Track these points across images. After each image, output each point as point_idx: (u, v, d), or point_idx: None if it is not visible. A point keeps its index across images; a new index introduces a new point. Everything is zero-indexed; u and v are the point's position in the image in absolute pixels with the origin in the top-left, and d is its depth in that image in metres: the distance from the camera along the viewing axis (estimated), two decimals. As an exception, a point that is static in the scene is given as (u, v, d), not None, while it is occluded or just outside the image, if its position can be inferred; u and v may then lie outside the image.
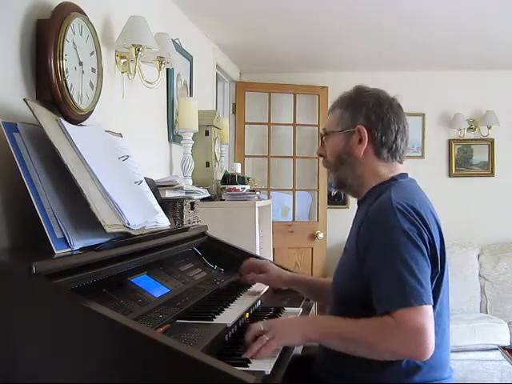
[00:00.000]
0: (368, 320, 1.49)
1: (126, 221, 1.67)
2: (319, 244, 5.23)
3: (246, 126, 5.20)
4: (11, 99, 1.75)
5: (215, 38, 4.23)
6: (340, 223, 4.94)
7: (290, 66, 5.18)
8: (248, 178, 3.65)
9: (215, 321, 1.67)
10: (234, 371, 1.20)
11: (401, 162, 1.74)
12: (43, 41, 1.86)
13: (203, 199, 3.00)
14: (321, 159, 1.86)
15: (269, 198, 4.70)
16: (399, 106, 1.74)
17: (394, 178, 1.69)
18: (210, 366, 1.19)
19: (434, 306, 1.49)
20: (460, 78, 5.31)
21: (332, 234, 5.24)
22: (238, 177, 3.52)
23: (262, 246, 3.68)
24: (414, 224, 1.51)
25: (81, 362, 1.27)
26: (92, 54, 2.11)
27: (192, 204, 2.72)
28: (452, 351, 1.70)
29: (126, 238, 1.68)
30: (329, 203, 5.32)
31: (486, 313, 4.86)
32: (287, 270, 2.27)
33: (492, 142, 5.38)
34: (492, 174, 5.39)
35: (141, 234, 1.75)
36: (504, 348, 3.99)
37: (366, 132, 1.68)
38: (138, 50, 2.41)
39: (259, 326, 1.57)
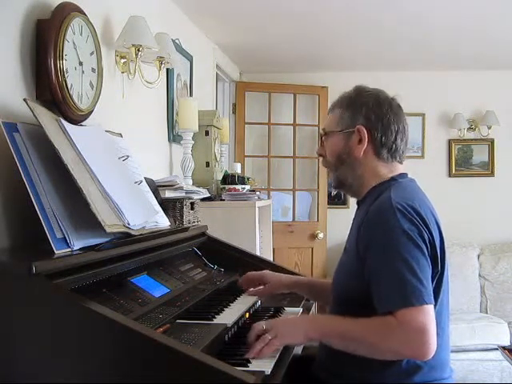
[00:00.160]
0: (370, 319, 1.49)
1: (126, 221, 1.67)
2: (319, 244, 5.23)
3: (246, 125, 5.20)
4: (11, 99, 1.75)
5: (215, 37, 4.23)
6: (340, 223, 4.94)
7: (290, 66, 5.18)
8: (248, 178, 3.65)
9: (215, 321, 1.67)
10: (234, 371, 1.20)
11: (401, 162, 1.74)
12: (43, 41, 1.86)
13: (203, 199, 3.00)
14: (321, 159, 1.86)
15: (269, 198, 4.70)
16: (399, 106, 1.74)
17: (393, 178, 1.69)
18: (210, 366, 1.19)
19: (434, 306, 1.49)
20: (460, 77, 5.31)
21: (332, 234, 5.24)
22: (238, 177, 3.52)
23: (262, 245, 3.68)
24: (414, 224, 1.51)
25: (81, 362, 1.27)
26: (92, 54, 2.12)
27: (192, 204, 2.72)
28: (452, 351, 1.70)
29: (126, 237, 1.68)
30: (329, 203, 5.32)
31: (486, 313, 4.86)
32: (286, 270, 2.27)
33: (492, 142, 5.38)
34: (492, 174, 5.39)
35: (141, 234, 1.75)
36: (504, 348, 3.99)
37: (365, 132, 1.68)
38: (138, 50, 2.41)
39: (261, 325, 1.57)
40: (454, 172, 5.44)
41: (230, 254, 2.40)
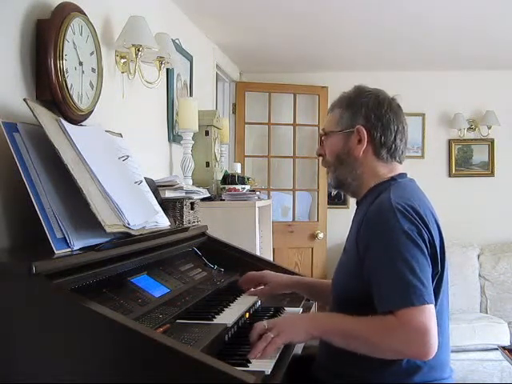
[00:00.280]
0: (371, 318, 1.49)
1: (126, 221, 1.67)
2: (319, 244, 5.23)
3: (246, 125, 5.20)
4: (11, 99, 1.75)
5: (215, 37, 4.23)
6: (340, 223, 4.95)
7: (290, 66, 5.18)
8: (248, 178, 3.65)
9: (215, 321, 1.67)
10: (234, 371, 1.20)
11: (400, 162, 1.74)
12: (43, 41, 1.86)
13: (203, 199, 3.00)
14: (320, 159, 1.86)
15: (269, 198, 4.70)
16: (399, 106, 1.74)
17: (393, 178, 1.69)
18: (210, 366, 1.19)
19: (434, 306, 1.49)
20: (460, 77, 5.31)
21: (332, 234, 5.24)
22: (238, 177, 3.52)
23: (262, 245, 3.68)
24: (413, 224, 1.51)
25: (81, 362, 1.27)
26: (92, 54, 2.12)
27: (192, 204, 2.72)
28: (452, 351, 1.70)
29: (126, 237, 1.68)
30: (329, 203, 5.33)
31: (486, 313, 4.86)
32: (286, 270, 2.27)
33: (492, 141, 5.38)
34: (492, 174, 5.39)
35: (141, 234, 1.75)
36: (504, 348, 3.99)
37: (365, 132, 1.68)
38: (138, 50, 2.41)
39: (263, 324, 1.58)
40: (454, 172, 5.44)
41: (230, 254, 2.40)
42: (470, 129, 5.37)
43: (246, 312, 1.89)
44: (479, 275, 5.01)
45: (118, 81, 2.54)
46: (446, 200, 4.94)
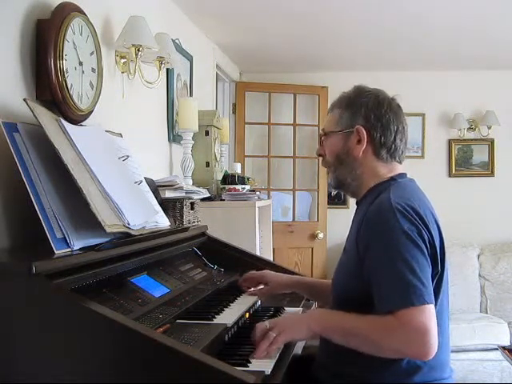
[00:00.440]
0: (372, 317, 1.49)
1: (126, 221, 1.67)
2: (319, 244, 5.23)
3: (246, 125, 5.20)
4: (11, 99, 1.75)
5: (215, 37, 4.23)
6: (340, 223, 4.95)
7: (290, 66, 5.18)
8: (248, 178, 3.65)
9: (215, 321, 1.67)
10: (234, 371, 1.20)
11: (400, 162, 1.74)
12: (43, 41, 1.86)
13: (203, 199, 3.00)
14: (320, 159, 1.86)
15: (269, 198, 4.70)
16: (398, 106, 1.74)
17: (393, 178, 1.69)
18: (210, 366, 1.19)
19: (434, 306, 1.49)
20: (460, 78, 5.31)
21: (332, 234, 5.24)
22: (238, 177, 3.52)
23: (262, 245, 3.68)
24: (413, 224, 1.51)
25: (81, 362, 1.27)
26: (92, 54, 2.12)
27: (192, 204, 2.72)
28: (452, 351, 1.70)
29: (126, 237, 1.68)
30: (329, 203, 5.33)
31: (486, 313, 4.86)
32: (286, 270, 2.27)
33: (492, 142, 5.38)
34: (492, 174, 5.39)
35: (141, 234, 1.75)
36: (504, 348, 3.99)
37: (364, 132, 1.68)
38: (138, 50, 2.41)
39: (265, 324, 1.58)
40: (454, 172, 5.44)
41: (230, 254, 2.40)
42: (470, 129, 5.37)
43: (246, 312, 1.89)
44: (479, 275, 5.01)
45: (118, 81, 2.54)
46: (446, 200, 4.94)
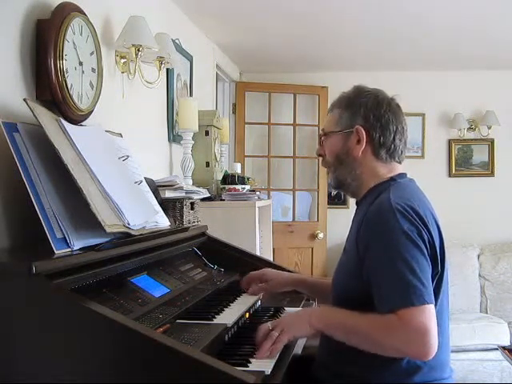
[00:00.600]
0: (373, 315, 1.49)
1: (126, 221, 1.67)
2: (319, 244, 5.23)
3: (246, 125, 5.20)
4: (11, 99, 1.75)
5: (215, 38, 4.23)
6: (340, 223, 4.95)
7: (290, 66, 5.18)
8: (248, 178, 3.65)
9: (215, 321, 1.67)
10: (234, 371, 1.20)
11: (400, 163, 1.74)
12: (43, 41, 1.86)
13: (203, 199, 3.00)
14: (320, 159, 1.86)
15: (269, 198, 4.70)
16: (398, 106, 1.74)
17: (392, 178, 1.69)
18: (210, 366, 1.19)
19: (434, 306, 1.49)
20: (460, 78, 5.31)
21: (332, 234, 5.24)
22: (238, 177, 3.52)
23: (262, 245, 3.68)
24: (413, 224, 1.51)
25: (81, 362, 1.27)
26: (92, 54, 2.12)
27: (192, 204, 2.72)
28: (452, 351, 1.70)
29: (126, 237, 1.68)
30: (329, 203, 5.33)
31: (486, 313, 4.86)
32: (286, 270, 2.27)
33: (492, 142, 5.38)
34: (492, 174, 5.39)
35: (141, 234, 1.75)
36: (504, 348, 3.99)
37: (364, 132, 1.68)
38: (138, 50, 2.41)
39: (267, 325, 1.59)
40: (454, 172, 5.44)
41: (230, 254, 2.40)
42: (470, 129, 5.37)
43: (246, 312, 1.89)
44: (479, 275, 5.01)
45: (118, 81, 2.54)
46: (446, 200, 4.94)
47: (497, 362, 4.31)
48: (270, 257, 3.77)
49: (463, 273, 4.93)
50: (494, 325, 4.51)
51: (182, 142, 3.20)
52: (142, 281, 1.75)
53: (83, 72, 2.05)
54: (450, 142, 5.43)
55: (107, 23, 2.43)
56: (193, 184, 3.16)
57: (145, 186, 2.02)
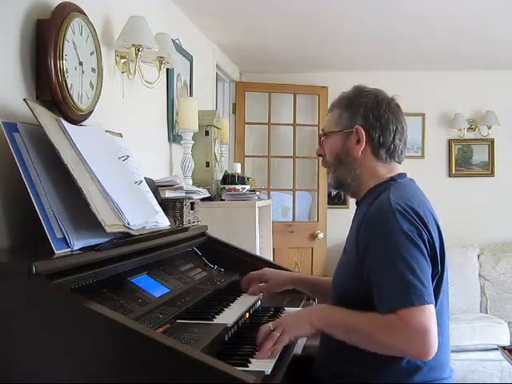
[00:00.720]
0: (373, 315, 1.49)
1: (126, 221, 1.67)
2: (319, 244, 5.23)
3: (246, 125, 5.20)
4: (11, 99, 1.75)
5: (215, 37, 4.23)
6: (340, 223, 4.95)
7: (290, 66, 5.18)
8: (248, 178, 3.65)
9: (215, 321, 1.67)
10: (233, 371, 1.20)
11: (399, 163, 1.74)
12: (43, 41, 1.86)
13: (203, 199, 3.00)
14: (320, 159, 1.86)
15: (269, 198, 4.70)
16: (398, 106, 1.74)
17: (392, 179, 1.69)
18: (210, 366, 1.19)
19: (434, 306, 1.49)
20: (460, 78, 5.31)
21: (332, 234, 5.24)
22: (238, 177, 3.52)
23: (262, 245, 3.68)
24: (413, 224, 1.51)
25: (81, 362, 1.27)
26: (92, 54, 2.12)
27: (192, 204, 2.72)
28: (452, 351, 1.70)
29: (126, 237, 1.68)
30: (329, 203, 5.33)
31: (486, 313, 4.86)
32: (286, 270, 2.27)
33: (492, 141, 5.38)
34: (492, 174, 5.39)
35: (141, 234, 1.75)
36: (504, 348, 3.99)
37: (363, 132, 1.68)
38: (138, 50, 2.41)
39: (268, 325, 1.59)
40: (454, 172, 5.44)
41: (230, 254, 2.40)
42: (470, 129, 5.37)
43: (246, 312, 1.89)
44: (479, 275, 5.01)
45: (118, 81, 2.54)
46: (446, 200, 4.94)
47: (497, 362, 4.31)
48: (270, 257, 3.77)
49: (463, 273, 4.93)
50: (494, 325, 4.51)
51: (182, 142, 3.20)
52: (142, 281, 1.75)
53: (83, 72, 2.05)
54: (449, 142, 5.44)
55: (107, 23, 2.43)
56: (193, 184, 3.16)
57: (145, 186, 2.02)
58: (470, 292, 4.93)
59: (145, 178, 2.06)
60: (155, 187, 2.27)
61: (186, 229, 2.29)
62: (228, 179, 3.50)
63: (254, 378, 1.21)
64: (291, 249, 5.09)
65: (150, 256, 1.87)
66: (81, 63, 2.03)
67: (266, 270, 2.13)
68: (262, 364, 1.46)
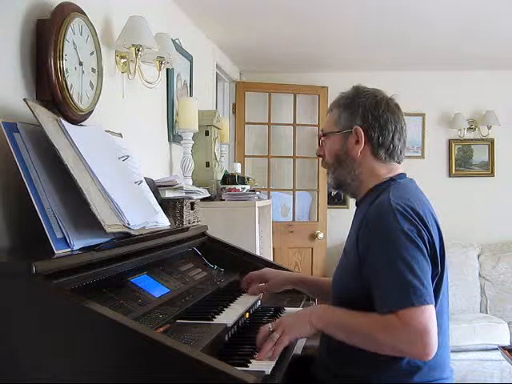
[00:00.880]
0: (373, 315, 1.49)
1: (126, 221, 1.67)
2: (319, 244, 5.23)
3: (246, 125, 5.20)
4: (11, 99, 1.75)
5: (215, 37, 4.23)
6: (340, 223, 4.96)
7: (289, 66, 5.18)
8: (248, 178, 3.65)
9: (215, 321, 1.67)
10: (233, 371, 1.20)
11: (399, 163, 1.74)
12: (43, 41, 1.86)
13: (203, 199, 3.00)
14: (320, 160, 1.86)
15: (269, 198, 4.70)
16: (397, 106, 1.73)
17: (392, 179, 1.69)
18: (210, 365, 1.19)
19: (434, 306, 1.49)
20: (460, 77, 5.31)
21: (332, 234, 5.24)
22: (238, 177, 3.52)
23: (262, 245, 3.68)
24: (413, 224, 1.51)
25: (81, 362, 1.27)
26: (92, 54, 2.11)
27: (192, 204, 2.71)
28: (452, 351, 1.70)
29: (125, 238, 1.68)
30: (329, 203, 5.33)
31: (486, 313, 4.86)
32: (285, 269, 2.27)
33: (492, 142, 5.38)
34: (492, 174, 5.39)
35: (141, 234, 1.75)
36: (504, 348, 3.98)
37: (362, 133, 1.68)
38: (138, 50, 2.41)
39: (268, 326, 1.59)
40: (453, 172, 5.44)
41: (230, 254, 2.40)
42: (470, 129, 5.37)
43: (246, 312, 1.89)
44: (479, 275, 5.01)
45: (117, 81, 2.54)
46: (446, 200, 4.94)
47: (497, 362, 4.31)
48: (269, 257, 3.77)
49: (463, 273, 4.94)
50: (494, 325, 4.51)
51: (181, 142, 3.20)
52: (142, 281, 1.75)
53: (83, 72, 2.05)
54: (449, 141, 5.44)
55: (107, 23, 2.43)
56: (193, 184, 3.17)
57: (145, 186, 2.02)
58: (470, 292, 4.93)
59: (145, 178, 2.06)
60: (155, 187, 2.27)
61: (186, 229, 2.29)
62: (228, 179, 3.50)
63: (254, 378, 1.21)
64: (291, 249, 5.09)
65: (150, 256, 1.87)
66: (81, 63, 2.03)
67: (266, 269, 2.13)
68: (262, 364, 1.46)
